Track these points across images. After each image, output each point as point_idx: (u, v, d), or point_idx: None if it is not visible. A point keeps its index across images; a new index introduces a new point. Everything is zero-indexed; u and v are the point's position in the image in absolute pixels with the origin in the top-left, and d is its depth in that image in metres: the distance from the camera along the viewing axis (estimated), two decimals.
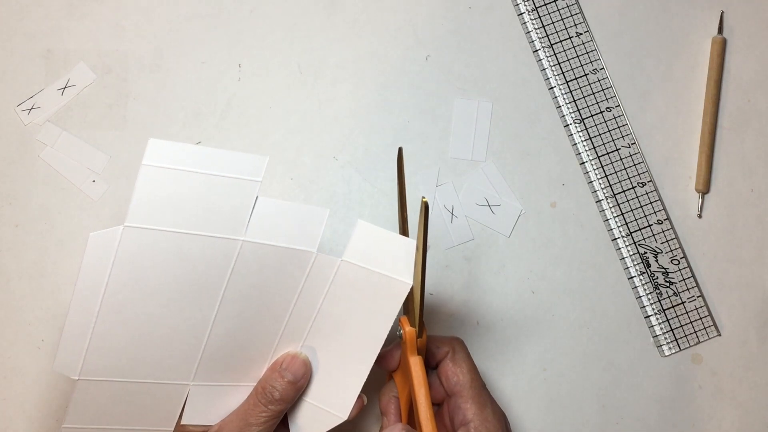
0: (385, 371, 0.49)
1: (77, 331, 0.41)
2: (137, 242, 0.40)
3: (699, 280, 0.57)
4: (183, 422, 0.46)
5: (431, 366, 0.48)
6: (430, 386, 0.46)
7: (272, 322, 0.45)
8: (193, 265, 0.42)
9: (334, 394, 0.46)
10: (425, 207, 0.42)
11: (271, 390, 0.45)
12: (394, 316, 0.45)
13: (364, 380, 0.46)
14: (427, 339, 0.47)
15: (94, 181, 0.57)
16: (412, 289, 0.44)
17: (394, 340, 0.48)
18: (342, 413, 0.46)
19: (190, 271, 0.42)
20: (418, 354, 0.46)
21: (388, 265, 0.44)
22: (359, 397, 0.46)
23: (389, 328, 0.45)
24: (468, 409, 0.46)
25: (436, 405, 0.49)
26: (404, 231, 0.48)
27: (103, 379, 0.43)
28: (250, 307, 0.44)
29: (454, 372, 0.47)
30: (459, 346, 0.48)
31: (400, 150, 0.48)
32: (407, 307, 0.46)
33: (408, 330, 0.46)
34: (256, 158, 0.42)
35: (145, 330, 0.42)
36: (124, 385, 0.43)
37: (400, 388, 0.48)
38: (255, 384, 0.46)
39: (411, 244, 0.45)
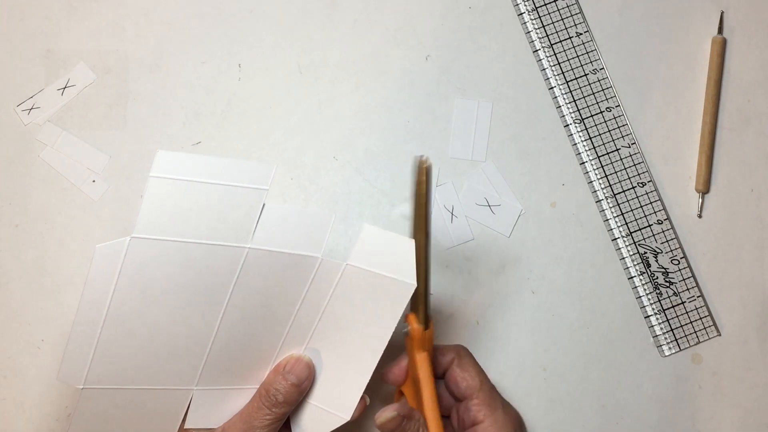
0: (393, 385, 0.49)
1: (82, 341, 0.41)
2: (144, 252, 0.41)
3: (699, 280, 0.57)
4: (186, 426, 0.46)
5: (438, 375, 0.48)
6: (438, 396, 0.45)
7: (276, 325, 0.45)
8: (198, 273, 0.42)
9: (337, 395, 0.46)
10: (426, 171, 0.42)
11: (274, 393, 0.45)
12: (399, 317, 0.45)
13: (368, 381, 0.46)
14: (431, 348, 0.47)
15: (94, 181, 0.56)
16: (418, 274, 0.44)
17: (398, 347, 0.48)
18: (345, 414, 0.46)
19: (195, 279, 0.42)
20: (425, 350, 0.46)
21: (392, 267, 0.44)
22: (362, 397, 0.46)
23: (393, 329, 0.45)
24: (479, 411, 0.46)
25: (444, 417, 0.49)
26: (423, 246, 0.46)
27: (107, 387, 0.43)
28: (254, 312, 0.44)
29: (462, 377, 0.47)
30: (464, 351, 0.48)
31: (425, 161, 0.45)
32: (413, 299, 0.46)
33: (416, 327, 0.45)
34: (263, 166, 0.42)
35: (150, 338, 0.42)
36: (128, 392, 0.43)
37: (410, 400, 0.47)
38: (258, 387, 0.46)
39: (412, 244, 0.45)
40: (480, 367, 0.48)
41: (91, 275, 0.40)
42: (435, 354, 0.47)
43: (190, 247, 0.41)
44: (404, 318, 0.46)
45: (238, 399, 0.46)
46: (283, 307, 0.45)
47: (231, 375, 0.45)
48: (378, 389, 0.55)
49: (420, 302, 0.46)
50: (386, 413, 0.44)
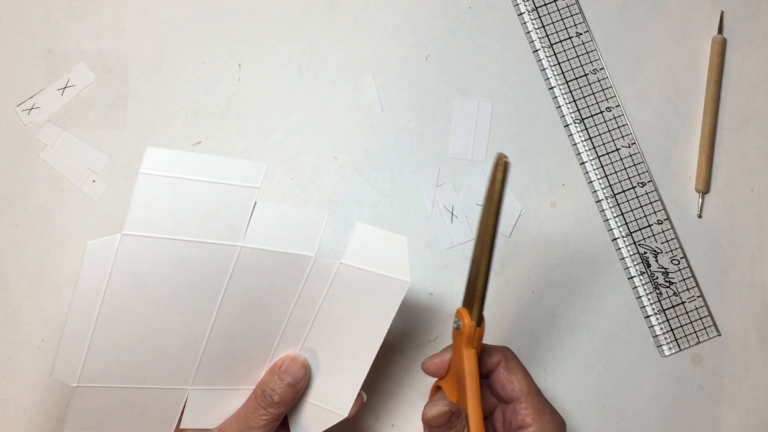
0: (432, 377, 0.48)
1: (76, 339, 0.41)
2: (135, 250, 0.40)
3: (699, 280, 0.57)
4: (182, 426, 0.46)
5: (481, 375, 0.46)
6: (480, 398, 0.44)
7: (271, 325, 0.45)
8: (191, 272, 0.42)
9: (334, 392, 0.46)
10: (505, 168, 0.40)
11: (270, 393, 0.45)
12: (393, 315, 0.45)
13: (364, 378, 0.46)
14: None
15: (94, 181, 0.57)
16: (478, 270, 0.43)
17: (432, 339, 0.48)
18: (342, 411, 0.46)
19: (188, 277, 0.42)
20: (474, 347, 0.44)
21: (386, 265, 0.44)
22: (359, 394, 0.46)
23: (388, 327, 0.45)
24: (527, 415, 0.45)
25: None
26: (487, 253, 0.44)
27: (102, 385, 0.43)
28: (248, 311, 0.44)
29: (509, 380, 0.46)
30: (510, 354, 0.47)
31: (505, 157, 0.42)
32: (469, 294, 0.44)
33: (468, 323, 0.44)
34: (254, 164, 0.42)
35: (144, 336, 0.42)
36: (123, 391, 0.43)
37: (449, 396, 0.46)
38: (254, 387, 0.46)
39: (404, 241, 0.45)
40: (527, 370, 0.47)
41: (83, 272, 0.40)
42: (481, 354, 0.46)
43: (182, 244, 0.41)
44: (455, 312, 0.45)
45: (234, 399, 0.46)
46: (278, 307, 0.45)
47: (227, 375, 0.45)
48: (375, 387, 0.55)
49: (477, 299, 0.44)
50: (437, 408, 0.43)
